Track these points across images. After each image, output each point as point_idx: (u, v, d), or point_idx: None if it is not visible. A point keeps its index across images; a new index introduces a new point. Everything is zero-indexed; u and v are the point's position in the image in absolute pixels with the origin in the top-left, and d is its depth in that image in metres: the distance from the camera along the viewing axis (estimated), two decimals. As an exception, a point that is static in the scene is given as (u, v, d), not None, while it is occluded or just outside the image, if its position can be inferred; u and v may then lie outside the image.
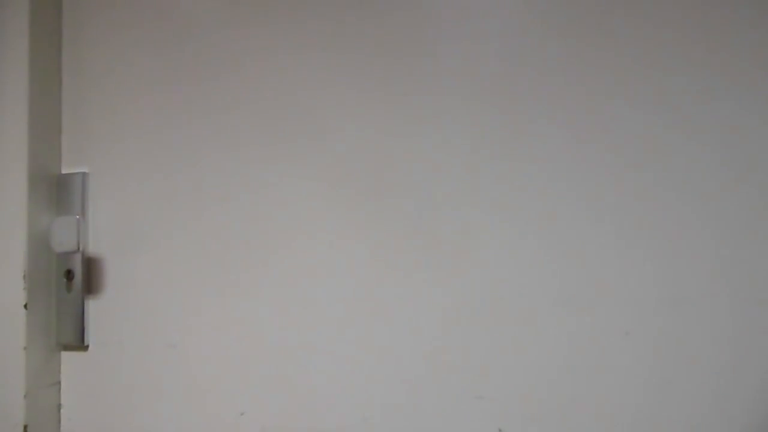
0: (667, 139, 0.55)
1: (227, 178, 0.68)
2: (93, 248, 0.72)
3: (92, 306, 0.72)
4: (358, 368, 0.62)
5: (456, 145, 0.61)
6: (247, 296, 0.66)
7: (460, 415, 0.59)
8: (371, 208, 0.63)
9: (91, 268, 0.72)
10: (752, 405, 0.51)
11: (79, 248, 0.71)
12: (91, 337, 0.72)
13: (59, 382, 0.72)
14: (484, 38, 0.61)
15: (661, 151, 0.55)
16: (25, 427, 0.68)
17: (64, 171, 0.74)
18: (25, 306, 0.69)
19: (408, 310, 0.61)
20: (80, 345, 0.72)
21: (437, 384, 0.60)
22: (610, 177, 0.56)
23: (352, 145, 0.64)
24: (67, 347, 0.73)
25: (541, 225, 0.58)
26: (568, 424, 0.56)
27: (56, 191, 0.74)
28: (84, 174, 0.73)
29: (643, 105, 0.56)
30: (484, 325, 0.59)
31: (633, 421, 0.54)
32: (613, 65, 0.57)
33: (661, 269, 0.54)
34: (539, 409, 0.57)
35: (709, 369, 0.52)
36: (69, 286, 0.72)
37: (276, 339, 0.65)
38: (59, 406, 0.72)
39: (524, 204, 0.58)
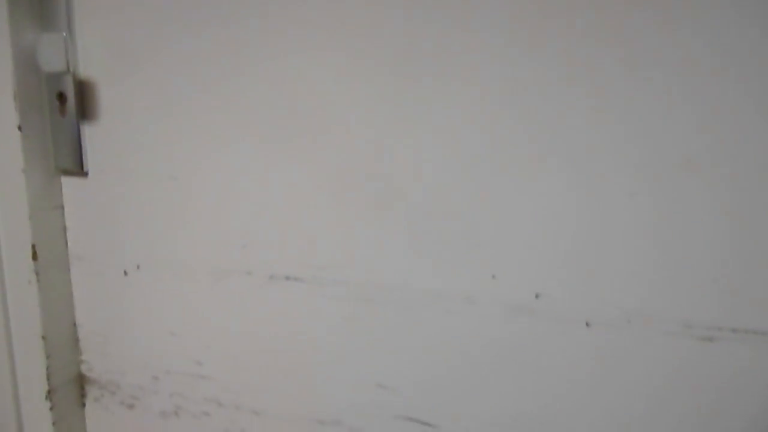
0: None
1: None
2: (84, 70, 0.68)
3: (88, 132, 0.70)
4: (360, 216, 0.60)
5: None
6: (250, 129, 0.62)
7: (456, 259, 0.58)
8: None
9: (84, 91, 0.68)
10: (758, 274, 0.50)
11: (68, 69, 0.67)
12: (90, 164, 0.70)
13: (62, 206, 0.73)
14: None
15: None
16: (34, 246, 0.70)
17: (44, -19, 0.67)
18: (19, 128, 0.67)
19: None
20: (80, 171, 0.71)
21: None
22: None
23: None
24: (67, 172, 0.72)
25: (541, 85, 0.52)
26: (568, 281, 0.55)
27: (39, 5, 0.67)
28: (67, -15, 0.66)
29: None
30: (480, 181, 0.56)
31: (636, 281, 0.54)
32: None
33: (668, 130, 0.51)
34: (532, 259, 0.56)
35: (714, 235, 0.51)
36: (62, 109, 0.69)
37: (277, 179, 0.63)
38: (65, 228, 0.74)
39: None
